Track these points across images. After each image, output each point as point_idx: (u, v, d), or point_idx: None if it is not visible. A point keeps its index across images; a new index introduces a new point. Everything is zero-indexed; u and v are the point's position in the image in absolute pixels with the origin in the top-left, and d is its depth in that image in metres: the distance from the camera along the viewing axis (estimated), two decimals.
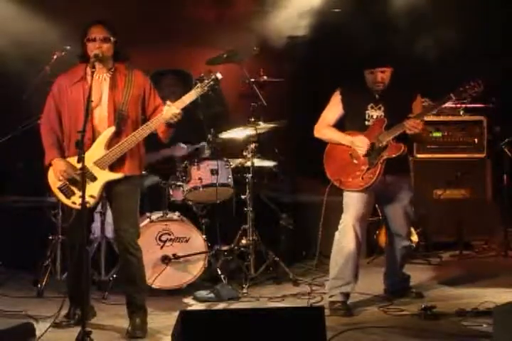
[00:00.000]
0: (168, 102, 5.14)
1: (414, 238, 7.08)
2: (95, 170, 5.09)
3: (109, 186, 5.18)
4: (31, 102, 6.23)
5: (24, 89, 6.65)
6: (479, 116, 7.60)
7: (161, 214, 6.28)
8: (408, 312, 5.53)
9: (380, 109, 5.73)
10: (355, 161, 5.68)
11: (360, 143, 5.65)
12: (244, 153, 6.65)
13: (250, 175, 6.57)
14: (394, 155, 5.61)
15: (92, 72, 4.97)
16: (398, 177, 5.76)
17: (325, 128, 5.84)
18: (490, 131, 7.56)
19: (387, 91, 5.74)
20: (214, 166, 6.38)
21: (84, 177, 4.78)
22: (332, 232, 5.76)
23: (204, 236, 6.28)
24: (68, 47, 6.20)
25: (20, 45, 7.22)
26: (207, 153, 6.69)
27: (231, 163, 6.54)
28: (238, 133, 6.68)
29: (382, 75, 5.69)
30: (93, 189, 5.09)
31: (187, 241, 6.22)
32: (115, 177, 5.13)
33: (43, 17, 7.34)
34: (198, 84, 5.16)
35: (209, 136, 6.72)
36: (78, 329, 4.67)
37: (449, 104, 7.58)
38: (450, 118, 7.61)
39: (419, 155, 7.57)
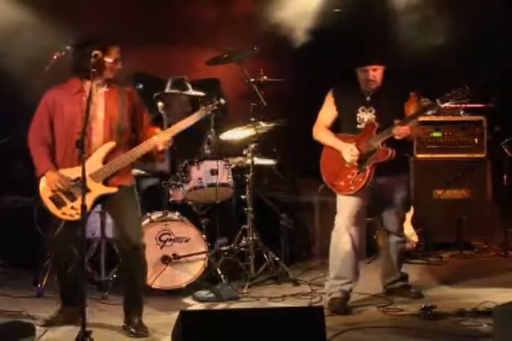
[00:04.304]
0: (157, 130, 5.30)
1: (414, 238, 7.09)
2: (90, 183, 5.11)
3: (103, 198, 5.24)
4: (31, 102, 6.22)
5: (23, 89, 6.66)
6: (479, 116, 7.59)
7: (161, 214, 6.27)
8: (408, 312, 5.53)
9: (371, 111, 5.72)
10: (347, 165, 5.69)
11: (348, 153, 5.64)
12: (244, 153, 6.65)
13: (250, 174, 6.57)
14: (382, 160, 5.60)
15: (93, 72, 5.00)
16: (392, 178, 5.76)
17: (321, 132, 5.86)
18: (490, 131, 7.55)
19: (378, 92, 5.72)
20: (214, 166, 6.38)
21: (85, 179, 4.80)
22: (331, 232, 5.78)
23: (204, 236, 6.27)
24: (68, 47, 6.19)
25: (20, 45, 7.22)
26: (207, 153, 6.69)
27: (231, 163, 6.55)
28: (238, 133, 6.68)
29: (374, 73, 5.67)
30: (86, 200, 5.05)
31: (187, 241, 6.21)
32: (109, 192, 5.21)
33: (42, 17, 7.34)
34: (202, 107, 5.35)
35: (209, 136, 6.72)
36: (70, 327, 4.67)
37: (448, 104, 7.59)
38: (450, 118, 7.61)
39: (419, 155, 7.57)
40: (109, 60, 5.18)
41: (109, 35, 5.36)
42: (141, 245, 5.25)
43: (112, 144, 5.19)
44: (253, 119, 6.55)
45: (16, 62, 7.18)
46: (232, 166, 6.54)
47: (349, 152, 5.66)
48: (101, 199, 5.24)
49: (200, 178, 6.37)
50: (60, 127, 5.22)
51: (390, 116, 5.62)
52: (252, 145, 6.59)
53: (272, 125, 6.60)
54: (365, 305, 5.77)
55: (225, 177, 6.41)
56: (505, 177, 7.32)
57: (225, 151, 6.72)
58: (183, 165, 6.45)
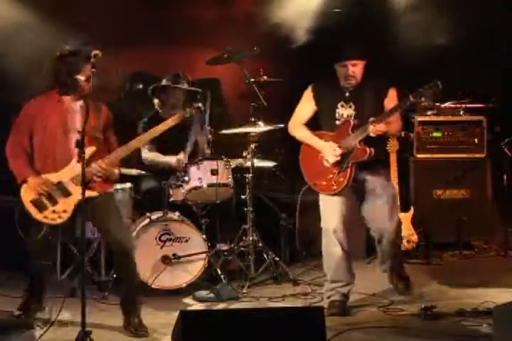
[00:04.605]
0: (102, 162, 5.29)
1: (414, 238, 7.08)
2: (71, 186, 5.25)
3: (85, 202, 5.25)
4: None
5: (23, 89, 6.65)
6: (479, 116, 7.58)
7: (161, 214, 6.28)
8: (408, 312, 5.54)
9: (350, 107, 5.63)
10: (327, 164, 5.63)
11: (329, 152, 5.59)
12: (244, 153, 6.65)
13: (250, 175, 6.57)
14: (361, 159, 5.54)
15: (93, 72, 5.02)
16: (372, 173, 5.66)
17: (298, 127, 5.81)
18: (490, 131, 7.55)
19: (358, 88, 5.63)
20: (214, 166, 6.38)
21: (85, 179, 4.88)
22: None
23: (204, 236, 6.27)
24: (68, 47, 6.20)
25: (20, 45, 7.22)
26: (207, 153, 6.70)
27: (231, 163, 6.55)
28: (238, 134, 6.68)
29: (354, 69, 5.57)
30: (67, 204, 5.25)
31: (187, 241, 6.22)
32: (90, 195, 5.23)
33: (42, 17, 7.35)
34: (181, 112, 5.51)
35: (209, 136, 6.73)
36: (70, 327, 4.69)
37: (449, 104, 7.61)
38: (450, 118, 7.60)
39: (419, 155, 7.56)
40: (81, 77, 5.28)
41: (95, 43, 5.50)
42: (132, 246, 5.36)
43: (92, 149, 5.26)
44: (253, 119, 6.55)
45: (16, 62, 7.18)
46: (232, 166, 6.54)
47: (332, 152, 5.59)
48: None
49: (200, 178, 6.37)
50: (40, 137, 5.33)
51: (370, 112, 5.54)
52: (252, 146, 6.59)
53: (270, 128, 6.61)
54: (365, 305, 5.77)
55: (225, 177, 6.42)
56: (505, 177, 7.31)
57: (225, 151, 6.72)
58: (183, 165, 6.46)
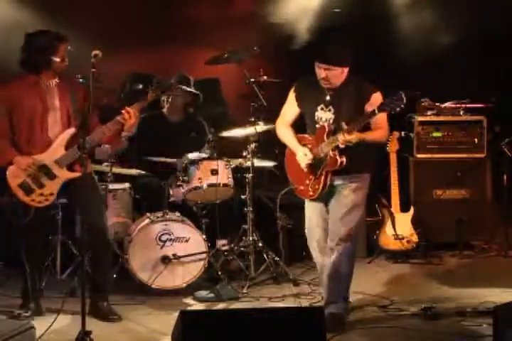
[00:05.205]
0: (128, 109, 5.35)
1: (414, 238, 7.08)
2: (55, 169, 5.34)
3: (67, 186, 5.38)
4: None
5: None
6: (479, 116, 7.58)
7: (161, 214, 6.27)
8: (408, 312, 5.53)
9: (330, 111, 5.42)
10: (305, 169, 5.50)
11: (302, 158, 5.45)
12: (244, 153, 6.65)
13: (250, 175, 6.57)
14: (332, 169, 5.34)
15: (93, 72, 5.03)
16: (346, 180, 5.42)
17: (282, 129, 5.64)
18: (490, 131, 7.55)
19: (340, 91, 5.40)
20: (214, 166, 6.39)
21: (88, 180, 4.96)
22: None
23: (204, 236, 6.27)
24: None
25: (20, 45, 7.21)
26: (207, 153, 6.70)
27: (231, 163, 6.55)
28: (238, 133, 6.68)
29: (327, 73, 5.32)
30: (53, 187, 5.36)
31: (187, 241, 6.21)
32: (73, 176, 5.34)
33: (42, 17, 7.35)
34: (150, 91, 5.48)
35: (209, 135, 6.73)
36: (70, 327, 4.70)
37: (449, 104, 7.61)
38: (450, 118, 7.59)
39: (419, 155, 7.56)
40: (57, 59, 5.36)
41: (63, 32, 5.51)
42: (105, 226, 5.53)
43: (72, 130, 5.34)
44: (253, 119, 6.55)
45: (15, 62, 7.17)
46: (232, 166, 6.54)
47: (303, 156, 5.44)
48: (66, 185, 5.37)
49: (200, 178, 6.37)
50: (21, 118, 5.36)
51: (349, 117, 5.31)
52: (252, 145, 6.58)
53: (271, 126, 6.59)
54: (365, 305, 5.76)
55: (225, 177, 6.42)
56: (505, 177, 7.31)
57: (225, 151, 6.72)
58: (183, 165, 6.46)
